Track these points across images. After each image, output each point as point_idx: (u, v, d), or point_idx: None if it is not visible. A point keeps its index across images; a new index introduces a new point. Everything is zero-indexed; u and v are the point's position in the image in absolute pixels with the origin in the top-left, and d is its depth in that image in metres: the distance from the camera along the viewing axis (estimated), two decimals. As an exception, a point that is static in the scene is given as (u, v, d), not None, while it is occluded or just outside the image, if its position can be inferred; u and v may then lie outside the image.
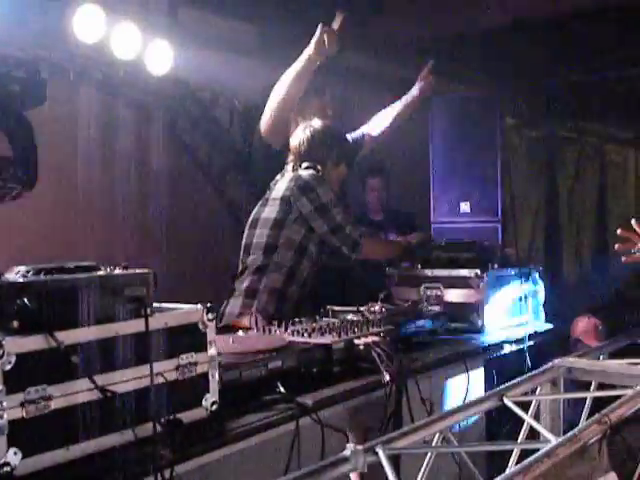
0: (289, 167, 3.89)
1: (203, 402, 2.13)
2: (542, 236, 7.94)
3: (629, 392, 2.17)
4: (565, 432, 1.94)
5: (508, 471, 1.69)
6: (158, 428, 1.93)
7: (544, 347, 3.93)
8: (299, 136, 3.91)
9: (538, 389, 2.43)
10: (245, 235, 3.85)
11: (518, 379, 2.35)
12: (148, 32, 3.91)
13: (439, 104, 5.59)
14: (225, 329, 3.08)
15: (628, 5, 4.98)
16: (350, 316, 3.20)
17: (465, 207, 5.47)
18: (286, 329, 2.88)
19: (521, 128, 7.43)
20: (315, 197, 3.71)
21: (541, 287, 4.13)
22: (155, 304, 2.08)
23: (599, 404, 2.20)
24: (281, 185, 3.81)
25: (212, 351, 2.17)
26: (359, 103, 5.52)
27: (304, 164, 3.84)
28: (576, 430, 1.91)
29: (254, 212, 3.88)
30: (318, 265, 3.84)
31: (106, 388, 1.86)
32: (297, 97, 3.99)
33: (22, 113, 3.67)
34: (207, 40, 4.14)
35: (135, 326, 1.96)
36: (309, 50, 3.84)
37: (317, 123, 3.93)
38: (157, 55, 3.99)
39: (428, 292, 3.77)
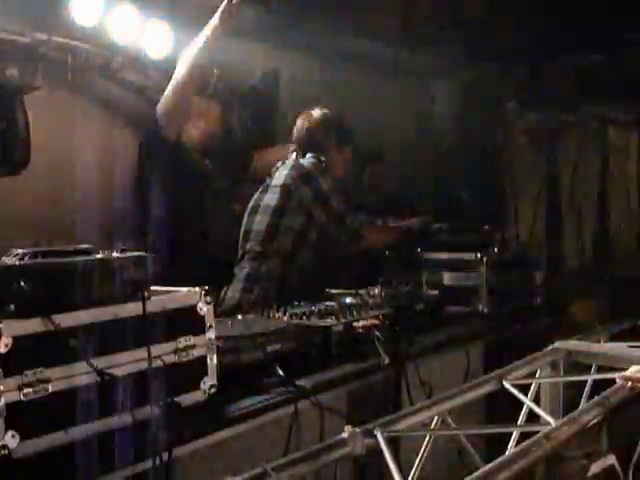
0: (293, 156, 3.88)
1: (201, 385, 2.13)
2: (543, 220, 7.91)
3: (629, 375, 2.17)
4: (565, 414, 1.94)
5: (507, 454, 1.69)
6: (156, 411, 1.92)
7: (544, 330, 3.93)
8: (298, 127, 3.93)
9: (538, 372, 2.43)
10: (245, 222, 3.84)
11: (518, 362, 2.35)
12: (147, 14, 3.87)
13: (440, 88, 5.59)
14: (225, 313, 3.08)
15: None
16: (349, 299, 3.19)
17: (465, 193, 5.47)
18: (285, 312, 2.88)
19: (522, 111, 7.40)
20: (316, 186, 3.70)
21: (541, 271, 4.12)
22: (153, 287, 2.07)
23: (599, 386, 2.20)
24: (282, 173, 3.80)
25: (210, 334, 2.16)
26: (350, 86, 5.47)
27: (308, 154, 3.83)
28: (576, 413, 1.91)
29: (254, 199, 3.87)
30: (317, 251, 3.83)
31: (104, 371, 1.85)
32: (201, 73, 3.80)
33: (15, 95, 3.64)
34: (207, 22, 4.09)
35: (133, 309, 1.95)
36: (213, 21, 3.59)
37: (316, 112, 3.93)
38: (156, 38, 3.96)
39: (428, 275, 3.76)
